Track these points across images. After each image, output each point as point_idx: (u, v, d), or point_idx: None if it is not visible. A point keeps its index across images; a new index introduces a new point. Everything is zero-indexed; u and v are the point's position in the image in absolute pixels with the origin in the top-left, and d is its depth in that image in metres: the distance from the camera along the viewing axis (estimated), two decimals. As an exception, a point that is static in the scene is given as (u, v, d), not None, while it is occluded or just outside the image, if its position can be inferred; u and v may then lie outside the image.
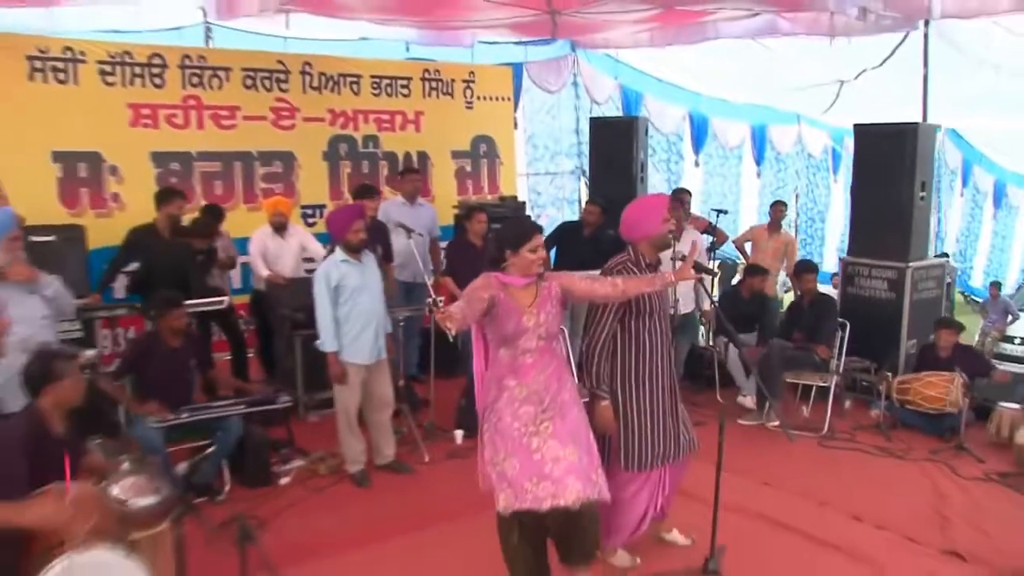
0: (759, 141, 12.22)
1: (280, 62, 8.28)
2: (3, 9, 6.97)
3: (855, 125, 6.93)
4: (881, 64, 8.11)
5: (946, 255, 10.75)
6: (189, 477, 4.82)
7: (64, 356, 3.38)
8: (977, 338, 10.43)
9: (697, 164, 11.73)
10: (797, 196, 13.03)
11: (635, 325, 3.92)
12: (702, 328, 7.21)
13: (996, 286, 11.71)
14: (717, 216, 7.59)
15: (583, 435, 3.60)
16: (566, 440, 3.51)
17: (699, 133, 11.56)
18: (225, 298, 5.96)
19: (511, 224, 3.86)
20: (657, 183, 11.29)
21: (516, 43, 9.99)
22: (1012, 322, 10.46)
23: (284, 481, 5.13)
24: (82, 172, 7.29)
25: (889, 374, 6.05)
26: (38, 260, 4.64)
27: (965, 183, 15.72)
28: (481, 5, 7.96)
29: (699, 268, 3.75)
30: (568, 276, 3.78)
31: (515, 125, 10.06)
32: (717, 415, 4.04)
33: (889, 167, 6.53)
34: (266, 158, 8.27)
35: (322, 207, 8.41)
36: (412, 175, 7.50)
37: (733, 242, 8.20)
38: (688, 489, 4.42)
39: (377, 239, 6.22)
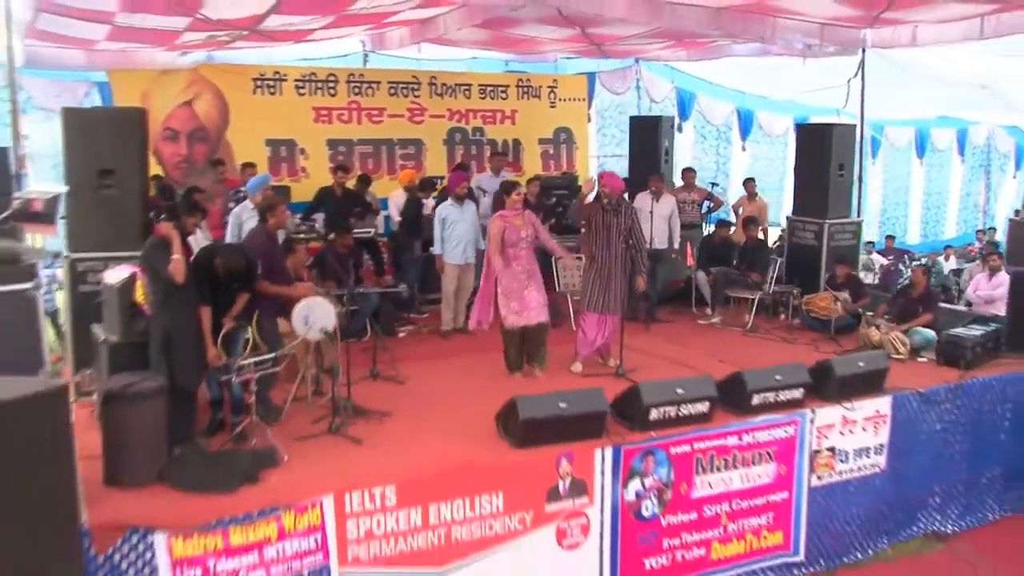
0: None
1: (414, 76, 11.86)
2: (242, 50, 10.84)
3: (797, 125, 9.79)
4: (856, 74, 10.70)
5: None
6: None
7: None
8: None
9: (744, 149, 14.52)
10: (861, 180, 15.59)
11: (594, 239, 7.22)
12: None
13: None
14: (712, 187, 10.62)
15: (543, 291, 6.97)
16: (537, 292, 6.90)
17: (745, 124, 14.35)
18: (371, 230, 9.54)
19: (505, 184, 7.27)
20: (707, 164, 14.28)
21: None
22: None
23: (401, 334, 8.70)
24: (283, 152, 11.13)
25: (795, 291, 8.98)
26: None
27: (1018, 166, 17.74)
28: (549, 45, 11.25)
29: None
30: (538, 222, 7.12)
31: (588, 119, 13.29)
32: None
33: (817, 154, 9.41)
34: (403, 144, 11.88)
35: (441, 177, 11.88)
36: (497, 156, 10.89)
37: (732, 207, 11.17)
38: (633, 345, 7.63)
39: (471, 197, 9.64)
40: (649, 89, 13.51)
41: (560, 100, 12.90)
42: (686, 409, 5.95)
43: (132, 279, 5.44)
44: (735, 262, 9.37)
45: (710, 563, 6.25)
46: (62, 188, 3.51)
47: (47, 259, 7.11)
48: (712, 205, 10.65)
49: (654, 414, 5.84)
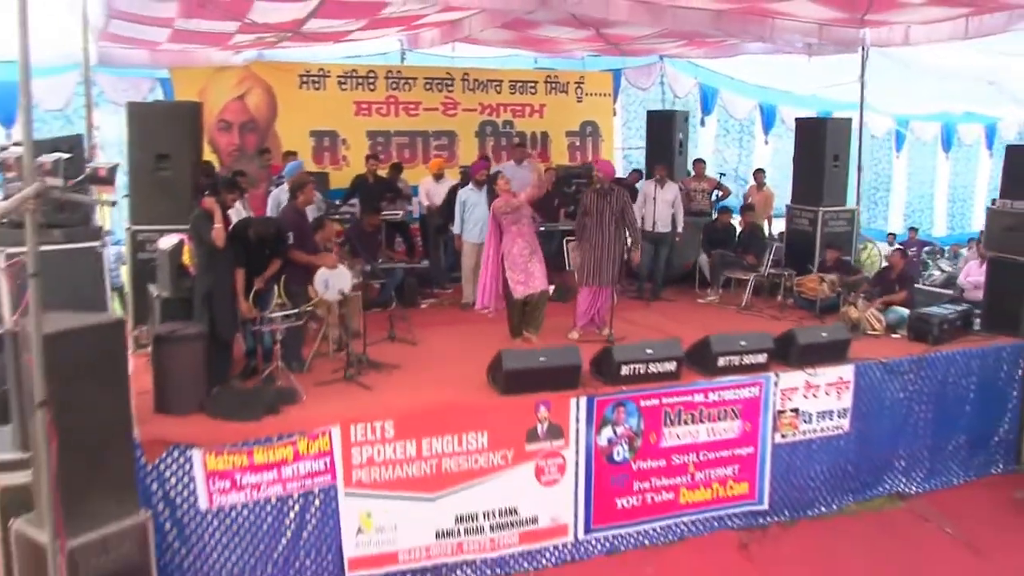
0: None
1: (448, 73, 12.81)
2: (289, 49, 11.89)
3: (796, 118, 10.46)
4: (861, 75, 11.28)
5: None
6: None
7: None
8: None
9: (767, 143, 15.11)
10: (860, 169, 16.03)
11: (587, 221, 8.05)
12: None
13: None
14: (721, 176, 11.32)
15: (543, 263, 7.83)
16: (539, 264, 7.76)
17: (768, 118, 14.94)
18: (399, 212, 10.50)
19: (491, 176, 8.16)
20: (729, 157, 14.93)
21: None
22: None
23: (424, 305, 9.65)
24: (326, 143, 12.18)
25: (786, 273, 9.67)
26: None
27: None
28: (570, 45, 12.07)
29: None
30: (526, 197, 7.96)
31: (614, 113, 14.08)
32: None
33: (813, 146, 10.07)
34: (437, 135, 12.85)
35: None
36: (518, 148, 11.76)
37: (743, 196, 11.85)
38: (632, 319, 8.46)
39: (490, 183, 10.53)
40: (673, 85, 14.22)
41: (587, 95, 13.72)
42: (655, 367, 6.76)
43: (180, 245, 6.48)
44: (734, 246, 10.08)
45: (679, 506, 7.04)
46: (118, 160, 4.43)
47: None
48: (721, 194, 11.36)
49: (624, 370, 6.66)
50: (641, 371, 6.72)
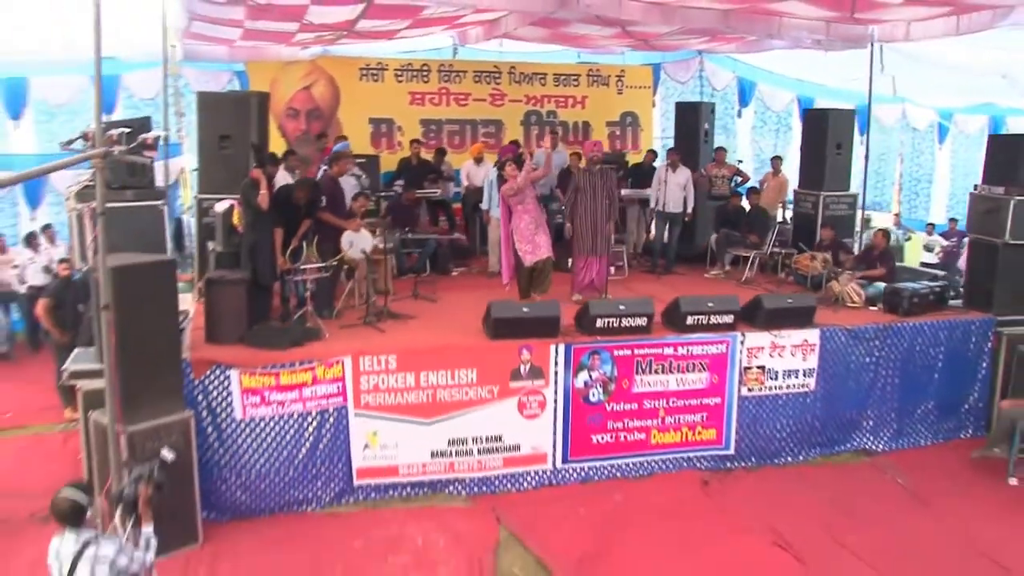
0: (862, 117, 15.86)
1: (495, 66, 13.99)
2: (351, 45, 13.27)
3: (804, 110, 11.22)
4: (882, 70, 11.93)
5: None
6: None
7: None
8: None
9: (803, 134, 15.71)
10: (902, 159, 16.51)
11: (578, 197, 9.12)
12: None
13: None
14: (739, 163, 12.16)
15: (548, 234, 8.93)
16: (544, 235, 8.87)
17: (805, 111, 15.55)
18: (438, 190, 11.74)
19: (498, 164, 9.28)
20: (766, 147, 15.63)
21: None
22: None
23: (455, 273, 10.87)
24: (383, 129, 13.54)
25: (783, 252, 10.49)
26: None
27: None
28: (601, 41, 13.06)
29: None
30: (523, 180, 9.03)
31: (653, 105, 15.00)
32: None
33: (817, 135, 10.85)
34: (485, 124, 14.05)
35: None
36: (553, 135, 12.82)
37: (759, 181, 12.63)
38: (639, 289, 9.50)
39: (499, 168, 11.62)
40: (711, 78, 15.03)
41: (627, 87, 14.70)
42: (627, 321, 7.80)
43: (231, 208, 7.85)
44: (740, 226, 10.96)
45: (650, 446, 8.06)
46: (160, 132, 5.69)
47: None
48: (740, 179, 12.20)
49: (599, 323, 7.73)
50: (615, 324, 7.77)
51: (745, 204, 11.44)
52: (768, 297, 8.37)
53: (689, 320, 7.97)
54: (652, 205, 11.06)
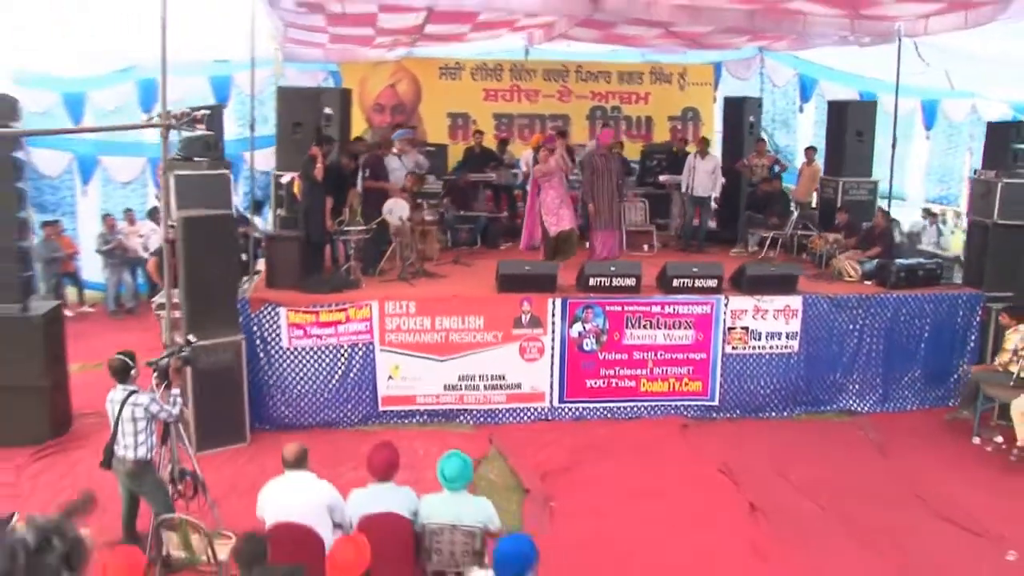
0: (929, 112, 16.17)
1: (563, 65, 15.31)
2: (432, 47, 14.88)
3: (829, 101, 11.97)
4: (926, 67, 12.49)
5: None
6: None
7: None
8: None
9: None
10: (971, 153, 16.65)
11: (594, 178, 10.35)
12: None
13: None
14: (777, 152, 12.99)
15: (571, 209, 10.23)
16: (567, 209, 10.19)
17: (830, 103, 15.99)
18: (494, 176, 13.17)
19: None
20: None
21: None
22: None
23: (502, 248, 12.24)
24: (459, 123, 15.12)
25: (798, 232, 11.31)
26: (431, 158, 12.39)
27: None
28: (649, 40, 14.11)
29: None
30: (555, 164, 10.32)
31: (714, 100, 15.90)
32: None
33: (840, 123, 11.60)
34: (552, 118, 15.37)
35: (582, 145, 15.22)
36: (607, 129, 14.03)
37: (798, 170, 13.39)
38: (657, 263, 10.65)
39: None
40: (772, 75, 15.78)
41: (689, 84, 15.69)
42: (617, 281, 8.98)
43: (292, 180, 9.57)
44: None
45: (640, 393, 9.19)
46: (206, 110, 7.33)
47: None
48: (779, 168, 13.03)
49: (592, 281, 8.95)
50: (606, 283, 8.98)
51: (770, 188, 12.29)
52: (752, 265, 9.35)
53: (675, 283, 9.06)
54: (683, 189, 12.09)
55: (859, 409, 9.53)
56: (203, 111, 6.74)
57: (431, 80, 14.92)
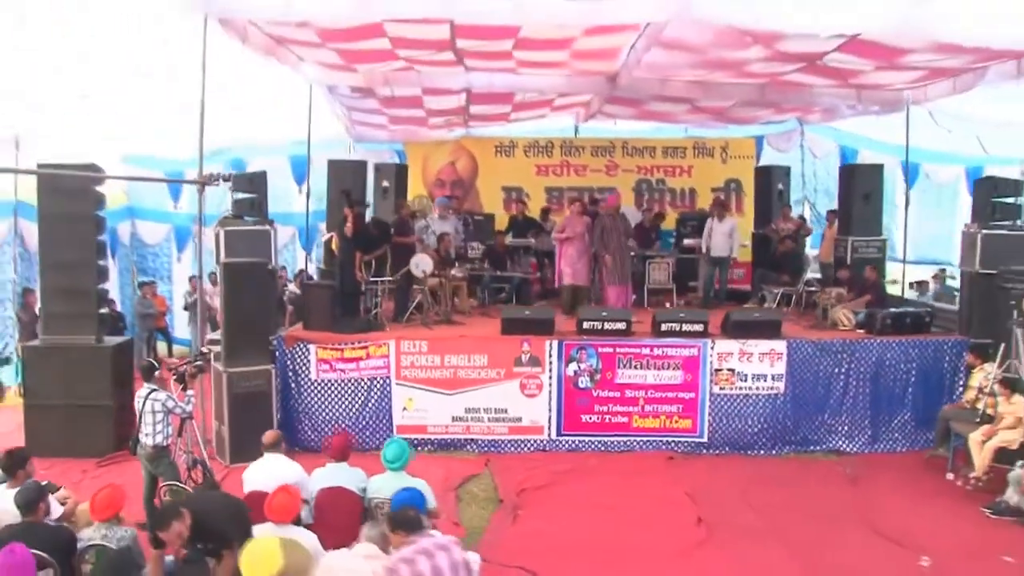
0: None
1: (610, 141, 16.54)
2: (491, 127, 16.40)
3: (840, 167, 12.66)
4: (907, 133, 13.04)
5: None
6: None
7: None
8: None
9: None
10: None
11: (604, 235, 11.43)
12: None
13: None
14: (801, 218, 13.70)
15: (588, 267, 11.35)
16: (584, 267, 11.44)
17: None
18: (532, 240, 14.33)
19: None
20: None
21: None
22: None
23: (535, 305, 13.37)
24: (513, 196, 16.48)
25: (807, 289, 11.92)
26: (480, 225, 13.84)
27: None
28: (680, 116, 15.15)
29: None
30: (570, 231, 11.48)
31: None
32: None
33: (850, 187, 12.27)
34: (600, 191, 16.55)
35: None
36: (612, 193, 15.03)
37: (822, 234, 13.98)
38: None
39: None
40: (812, 147, 16.51)
41: (731, 157, 16.58)
42: (609, 325, 9.92)
43: (331, 237, 11.08)
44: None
45: (632, 429, 9.99)
46: (228, 172, 8.91)
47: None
48: (804, 232, 13.73)
49: (586, 325, 9.94)
50: (599, 327, 9.93)
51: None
52: (736, 312, 10.15)
53: (663, 327, 9.92)
54: (703, 251, 12.95)
55: (848, 449, 9.99)
56: (231, 172, 8.28)
57: (487, 157, 16.42)
